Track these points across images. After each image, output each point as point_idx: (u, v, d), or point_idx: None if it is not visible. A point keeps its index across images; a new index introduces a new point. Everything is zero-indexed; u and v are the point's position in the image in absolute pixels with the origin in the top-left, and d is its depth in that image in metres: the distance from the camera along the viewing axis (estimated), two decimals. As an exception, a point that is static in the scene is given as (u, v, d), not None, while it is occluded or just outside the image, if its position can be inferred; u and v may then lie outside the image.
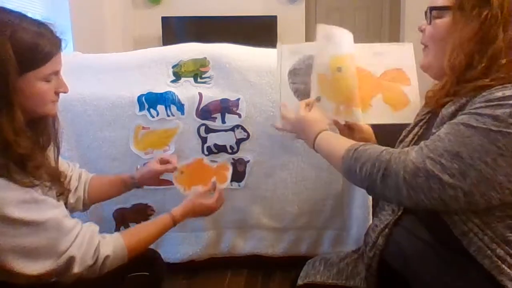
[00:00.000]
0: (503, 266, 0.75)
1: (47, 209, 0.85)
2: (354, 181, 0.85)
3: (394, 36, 4.44)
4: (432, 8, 0.87)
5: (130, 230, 1.02)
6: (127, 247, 0.95)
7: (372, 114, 1.08)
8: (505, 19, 0.78)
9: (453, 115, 0.79)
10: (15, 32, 0.80)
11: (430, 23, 0.88)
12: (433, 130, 0.83)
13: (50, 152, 0.98)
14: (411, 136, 0.94)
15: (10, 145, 0.79)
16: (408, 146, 0.93)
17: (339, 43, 1.06)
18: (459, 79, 0.81)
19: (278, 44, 1.10)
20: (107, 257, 0.91)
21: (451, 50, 0.82)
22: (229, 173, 1.39)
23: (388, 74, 1.10)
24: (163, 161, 1.29)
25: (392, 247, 0.90)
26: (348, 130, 1.10)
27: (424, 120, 0.94)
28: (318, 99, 1.04)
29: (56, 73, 0.90)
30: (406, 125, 1.03)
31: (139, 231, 1.03)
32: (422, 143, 0.78)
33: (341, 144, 0.89)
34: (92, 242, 0.89)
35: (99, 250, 0.90)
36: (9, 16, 0.83)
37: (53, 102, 0.91)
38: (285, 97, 1.09)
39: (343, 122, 1.09)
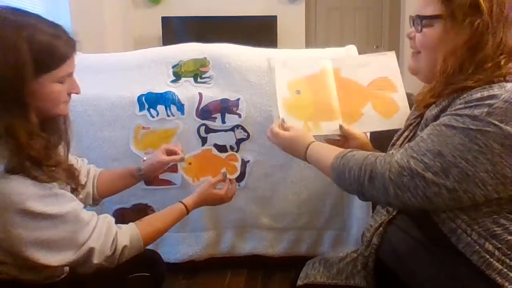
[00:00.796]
0: (492, 260, 0.76)
1: (65, 202, 0.86)
2: (344, 186, 0.88)
3: (394, 36, 4.44)
4: (422, 18, 0.86)
5: (144, 220, 1.03)
6: (142, 236, 0.98)
7: (364, 122, 1.12)
8: (493, 24, 0.79)
9: (436, 117, 0.82)
10: (32, 34, 0.81)
11: (420, 31, 0.88)
12: (418, 133, 0.85)
13: (60, 149, 0.99)
14: (401, 139, 0.96)
15: (23, 147, 0.80)
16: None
17: (294, 69, 1.15)
18: (447, 82, 0.83)
19: (267, 61, 1.15)
20: (124, 247, 0.93)
21: (443, 57, 0.83)
22: (238, 163, 1.38)
23: (375, 83, 1.14)
24: (169, 152, 1.28)
25: (386, 245, 0.92)
26: (344, 140, 1.12)
27: (414, 124, 0.96)
28: (283, 121, 1.09)
29: (70, 74, 0.90)
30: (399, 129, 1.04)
31: (153, 221, 1.05)
32: (406, 145, 0.81)
33: (330, 152, 0.92)
34: (109, 233, 0.92)
35: (116, 241, 0.92)
36: (25, 18, 0.83)
37: (65, 102, 0.92)
38: (280, 111, 1.11)
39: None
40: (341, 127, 1.11)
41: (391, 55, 1.16)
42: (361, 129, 1.11)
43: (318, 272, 1.01)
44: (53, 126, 0.94)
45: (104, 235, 0.90)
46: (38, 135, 0.83)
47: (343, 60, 1.18)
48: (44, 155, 0.84)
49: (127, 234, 0.96)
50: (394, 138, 1.00)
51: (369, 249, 0.94)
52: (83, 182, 1.11)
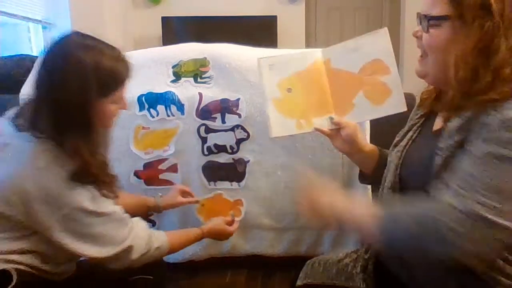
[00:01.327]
0: (500, 277, 0.74)
1: (110, 204, 0.96)
2: (396, 247, 0.77)
3: (394, 36, 4.40)
4: (428, 18, 0.82)
5: (172, 232, 1.14)
6: (169, 245, 1.07)
7: (357, 113, 1.08)
8: (505, 26, 0.75)
9: (461, 129, 0.76)
10: (98, 58, 0.88)
11: (427, 31, 0.83)
12: (441, 145, 0.79)
13: None
14: (405, 140, 0.93)
15: (87, 165, 0.89)
16: (403, 151, 0.91)
17: (282, 68, 1.11)
18: (463, 91, 0.77)
19: (257, 61, 1.11)
20: (157, 248, 1.03)
21: (454, 63, 0.78)
22: (243, 208, 1.57)
23: (366, 68, 1.09)
24: (183, 192, 1.38)
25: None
26: (336, 131, 1.08)
27: (418, 124, 0.93)
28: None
29: (123, 94, 0.97)
30: (398, 127, 1.02)
31: (179, 236, 1.15)
32: (453, 184, 0.73)
33: (371, 210, 0.82)
34: (145, 234, 1.01)
35: (151, 242, 1.02)
36: (91, 41, 0.91)
37: (115, 117, 1.00)
38: (271, 112, 1.09)
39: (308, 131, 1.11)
40: (331, 118, 1.08)
41: (383, 32, 1.09)
42: (354, 120, 1.08)
43: (317, 272, 1.00)
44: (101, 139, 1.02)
45: (141, 235, 1.00)
46: (98, 153, 0.94)
47: (333, 49, 1.13)
48: (102, 173, 0.95)
49: (160, 239, 1.04)
50: (397, 139, 0.97)
51: (369, 252, 0.92)
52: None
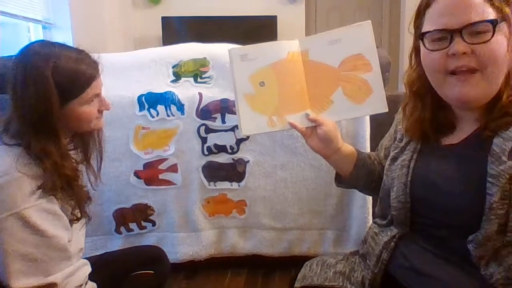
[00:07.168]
0: None
1: (60, 226, 0.87)
2: None
3: (394, 36, 4.44)
4: (493, 22, 0.71)
5: None
6: None
7: (335, 111, 1.01)
8: None
9: None
10: (57, 65, 0.86)
11: (492, 36, 0.71)
12: (492, 167, 0.70)
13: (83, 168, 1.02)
14: (408, 153, 0.87)
15: (59, 167, 0.86)
16: (409, 166, 0.86)
17: (255, 59, 1.02)
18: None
19: (228, 52, 1.02)
20: None
21: (508, 67, 0.72)
22: (247, 208, 1.59)
23: (347, 62, 1.01)
24: None
25: (399, 259, 0.86)
26: (311, 128, 1.01)
27: (413, 150, 0.87)
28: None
29: (97, 95, 0.94)
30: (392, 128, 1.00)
31: None
32: None
33: None
34: (79, 279, 0.90)
35: None
36: (51, 49, 0.89)
37: (97, 119, 0.96)
38: (242, 109, 1.01)
39: (278, 129, 1.03)
40: (307, 115, 1.00)
41: (366, 26, 1.00)
42: (332, 118, 1.00)
43: (315, 274, 0.98)
44: (85, 140, 1.00)
45: (74, 279, 0.89)
46: (69, 158, 0.91)
47: (312, 39, 1.07)
48: (74, 175, 0.90)
49: None
50: (394, 151, 0.90)
51: (378, 265, 0.87)
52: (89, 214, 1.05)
